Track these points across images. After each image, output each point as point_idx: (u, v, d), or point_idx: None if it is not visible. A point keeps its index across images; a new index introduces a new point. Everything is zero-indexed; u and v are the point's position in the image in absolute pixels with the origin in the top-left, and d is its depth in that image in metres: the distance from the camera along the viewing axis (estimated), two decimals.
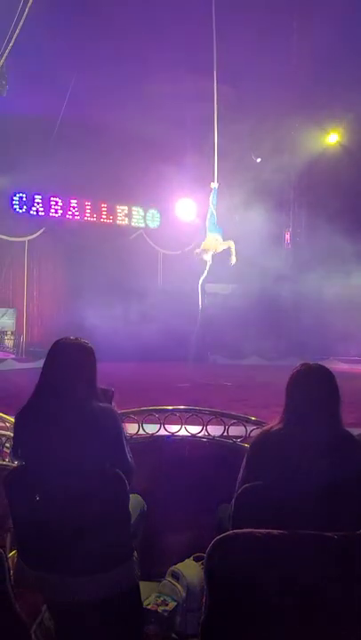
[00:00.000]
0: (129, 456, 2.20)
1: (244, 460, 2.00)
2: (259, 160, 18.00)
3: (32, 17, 9.40)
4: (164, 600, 2.52)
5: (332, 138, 17.33)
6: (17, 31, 9.23)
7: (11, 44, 9.45)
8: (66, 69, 13.72)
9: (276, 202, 18.09)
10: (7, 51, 9.62)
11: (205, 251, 11.09)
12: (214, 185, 10.72)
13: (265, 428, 2.09)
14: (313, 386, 1.99)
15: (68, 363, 2.14)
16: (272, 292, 17.93)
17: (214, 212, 10.83)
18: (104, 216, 18.54)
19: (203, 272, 11.91)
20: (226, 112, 10.72)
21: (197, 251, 11.27)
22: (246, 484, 1.86)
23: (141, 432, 3.10)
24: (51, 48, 12.84)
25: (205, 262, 11.17)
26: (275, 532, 1.39)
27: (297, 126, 17.14)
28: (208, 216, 10.91)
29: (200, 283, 11.85)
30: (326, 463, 1.80)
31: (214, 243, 10.93)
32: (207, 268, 11.27)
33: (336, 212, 15.74)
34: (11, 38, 9.50)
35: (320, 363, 2.10)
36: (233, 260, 10.90)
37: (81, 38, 13.22)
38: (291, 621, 1.36)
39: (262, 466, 1.89)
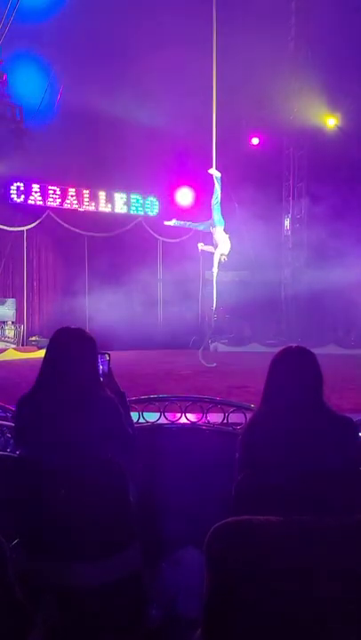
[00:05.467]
0: (130, 428, 2.25)
1: (237, 449, 2.00)
2: (257, 141, 17.88)
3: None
4: (166, 586, 2.56)
5: (331, 121, 17.16)
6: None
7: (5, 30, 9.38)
8: (63, 55, 13.59)
9: (275, 188, 18.00)
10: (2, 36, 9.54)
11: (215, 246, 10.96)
12: (213, 172, 10.53)
13: (251, 416, 2.08)
14: (293, 368, 1.94)
15: (70, 351, 2.15)
16: (272, 278, 17.91)
17: (218, 202, 10.68)
18: (102, 204, 18.44)
19: (202, 260, 11.74)
20: (224, 96, 10.59)
21: (201, 246, 11.21)
22: (242, 474, 1.87)
23: (142, 420, 3.13)
24: (49, 35, 12.71)
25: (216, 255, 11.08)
26: (273, 518, 1.40)
27: (295, 110, 16.99)
28: (215, 205, 10.73)
29: (215, 271, 11.62)
30: (312, 447, 1.80)
31: (217, 237, 10.84)
32: (216, 262, 11.18)
33: (336, 198, 15.65)
34: (5, 26, 9.42)
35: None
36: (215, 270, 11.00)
37: (77, 27, 13.08)
38: (292, 606, 1.37)
39: (253, 455, 1.89)
